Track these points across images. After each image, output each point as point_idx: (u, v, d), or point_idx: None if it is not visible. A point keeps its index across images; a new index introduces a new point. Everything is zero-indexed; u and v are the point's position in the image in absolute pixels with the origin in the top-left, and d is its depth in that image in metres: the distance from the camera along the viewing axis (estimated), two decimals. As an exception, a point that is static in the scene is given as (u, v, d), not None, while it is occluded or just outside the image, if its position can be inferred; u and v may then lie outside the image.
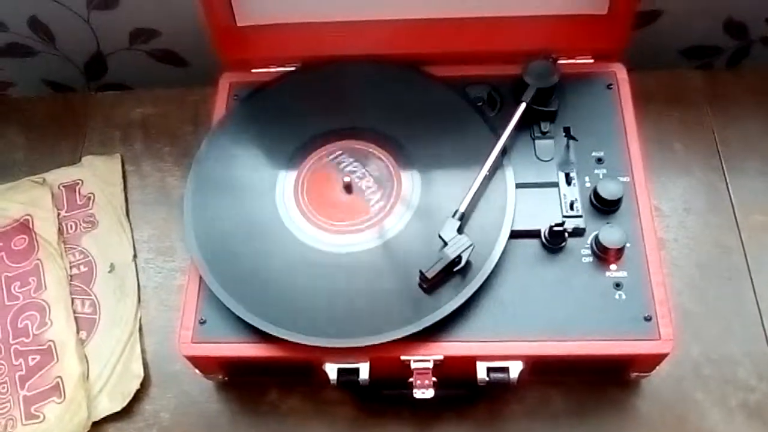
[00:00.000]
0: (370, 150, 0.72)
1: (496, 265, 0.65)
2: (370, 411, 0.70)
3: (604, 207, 0.68)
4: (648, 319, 0.63)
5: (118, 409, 0.71)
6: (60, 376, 0.72)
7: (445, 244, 0.64)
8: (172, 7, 0.88)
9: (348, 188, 0.70)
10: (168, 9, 0.88)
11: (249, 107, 0.76)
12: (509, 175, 0.69)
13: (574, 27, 0.75)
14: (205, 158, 0.73)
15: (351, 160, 0.72)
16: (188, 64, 0.97)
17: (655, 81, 0.85)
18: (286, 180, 0.71)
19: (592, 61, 0.76)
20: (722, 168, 0.81)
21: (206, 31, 0.75)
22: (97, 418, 0.71)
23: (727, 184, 0.80)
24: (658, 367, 0.67)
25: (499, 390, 0.66)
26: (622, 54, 0.76)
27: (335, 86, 0.76)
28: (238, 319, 0.64)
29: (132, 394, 0.72)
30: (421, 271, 0.63)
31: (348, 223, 0.69)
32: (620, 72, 0.75)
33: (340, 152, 0.72)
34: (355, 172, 0.71)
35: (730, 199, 0.79)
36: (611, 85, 0.75)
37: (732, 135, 0.83)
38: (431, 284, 0.63)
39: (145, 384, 0.72)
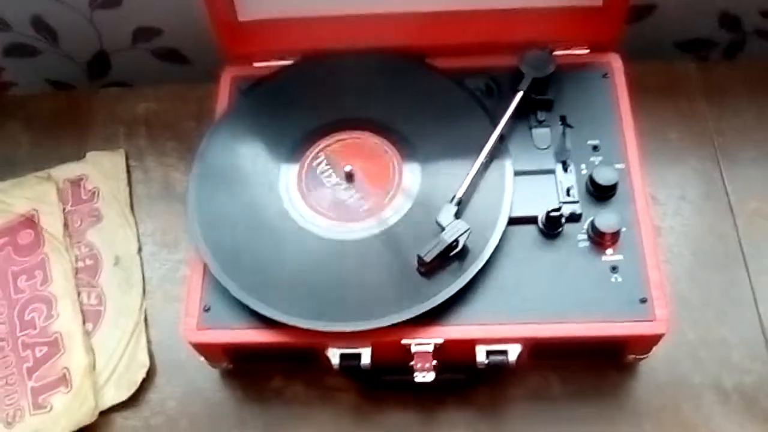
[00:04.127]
0: (371, 140, 0.73)
1: (495, 251, 0.66)
2: (373, 397, 0.71)
3: (600, 193, 0.69)
4: (643, 301, 0.64)
5: (125, 398, 0.72)
6: (67, 367, 0.73)
7: (442, 228, 0.65)
8: (175, 5, 0.89)
9: (350, 177, 0.71)
10: (170, 7, 0.89)
11: (251, 100, 0.77)
12: (507, 163, 0.70)
13: (570, 18, 0.76)
14: (208, 148, 0.74)
15: (352, 149, 0.73)
16: (191, 63, 0.98)
17: (651, 72, 0.86)
18: (288, 170, 0.72)
19: (587, 51, 0.78)
20: (717, 157, 0.81)
21: (208, 26, 0.76)
22: (103, 408, 0.72)
23: (721, 172, 0.80)
24: (655, 351, 0.68)
25: (498, 374, 0.67)
26: (617, 44, 0.77)
27: (336, 78, 0.78)
28: (242, 305, 0.65)
29: (138, 384, 0.72)
30: (418, 255, 0.64)
31: (350, 210, 0.70)
32: (615, 62, 0.76)
33: (341, 142, 0.73)
34: (356, 161, 0.72)
35: (725, 187, 0.80)
36: (606, 74, 0.76)
37: (727, 125, 0.83)
38: (429, 268, 0.64)
39: (150, 373, 0.73)
